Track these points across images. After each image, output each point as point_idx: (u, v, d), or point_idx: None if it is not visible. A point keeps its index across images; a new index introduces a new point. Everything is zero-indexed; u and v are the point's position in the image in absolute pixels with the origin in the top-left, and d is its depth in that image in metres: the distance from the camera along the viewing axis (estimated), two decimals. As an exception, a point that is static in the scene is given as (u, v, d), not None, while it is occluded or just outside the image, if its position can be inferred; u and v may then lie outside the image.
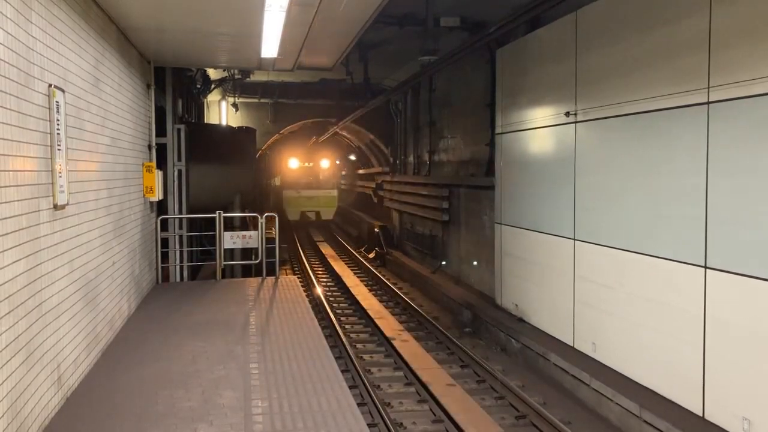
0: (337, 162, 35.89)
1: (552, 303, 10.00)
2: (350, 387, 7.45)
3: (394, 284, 16.93)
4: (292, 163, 33.29)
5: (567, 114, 9.45)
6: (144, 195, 9.71)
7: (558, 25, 9.82)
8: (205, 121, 19.82)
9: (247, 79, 18.97)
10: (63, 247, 5.52)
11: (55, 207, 5.26)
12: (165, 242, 11.44)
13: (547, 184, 10.19)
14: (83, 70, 6.30)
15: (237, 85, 20.75)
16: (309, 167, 33.59)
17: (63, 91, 5.47)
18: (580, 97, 9.20)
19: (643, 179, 7.79)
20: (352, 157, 34.04)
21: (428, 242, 18.05)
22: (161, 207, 11.37)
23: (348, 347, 10.56)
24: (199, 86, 16.83)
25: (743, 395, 6.31)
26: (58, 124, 5.29)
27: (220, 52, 10.08)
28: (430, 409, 8.28)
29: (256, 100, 22.96)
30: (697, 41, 6.81)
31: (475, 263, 14.36)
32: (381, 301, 14.85)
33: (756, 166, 6.11)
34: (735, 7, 6.38)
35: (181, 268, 12.05)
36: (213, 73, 17.53)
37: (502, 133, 11.99)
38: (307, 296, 9.86)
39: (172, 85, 12.01)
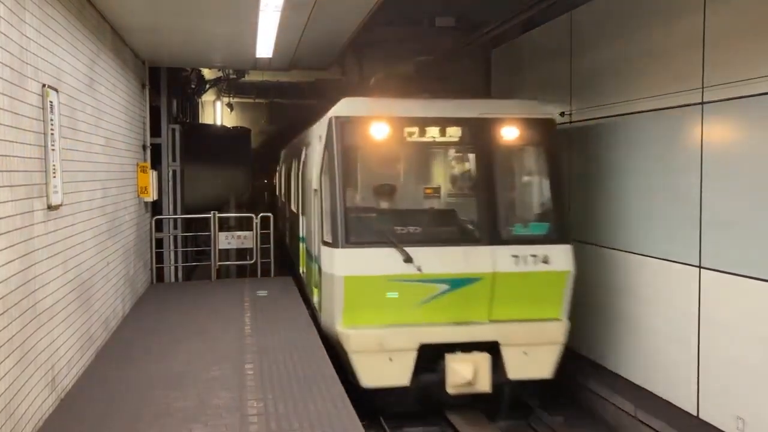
0: None
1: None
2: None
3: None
4: (378, 131, 6.60)
5: (562, 114, 9.46)
6: (138, 195, 9.69)
7: (553, 25, 9.82)
8: (200, 122, 19.80)
9: (242, 79, 18.92)
10: (57, 248, 5.50)
11: (50, 207, 5.24)
12: (160, 243, 11.42)
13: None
14: (77, 70, 6.29)
15: (232, 85, 20.68)
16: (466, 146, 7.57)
17: (57, 91, 5.46)
18: (575, 97, 9.21)
19: (638, 179, 7.79)
20: None
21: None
22: (156, 207, 11.35)
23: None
24: (194, 86, 16.81)
25: (738, 394, 6.33)
26: (52, 125, 5.27)
27: (215, 52, 10.08)
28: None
29: (251, 100, 22.89)
30: (691, 41, 6.82)
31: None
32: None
33: (751, 166, 6.12)
34: (730, 7, 6.39)
35: (176, 268, 12.03)
36: (208, 73, 17.50)
37: (497, 133, 11.97)
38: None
39: (166, 85, 11.99)
